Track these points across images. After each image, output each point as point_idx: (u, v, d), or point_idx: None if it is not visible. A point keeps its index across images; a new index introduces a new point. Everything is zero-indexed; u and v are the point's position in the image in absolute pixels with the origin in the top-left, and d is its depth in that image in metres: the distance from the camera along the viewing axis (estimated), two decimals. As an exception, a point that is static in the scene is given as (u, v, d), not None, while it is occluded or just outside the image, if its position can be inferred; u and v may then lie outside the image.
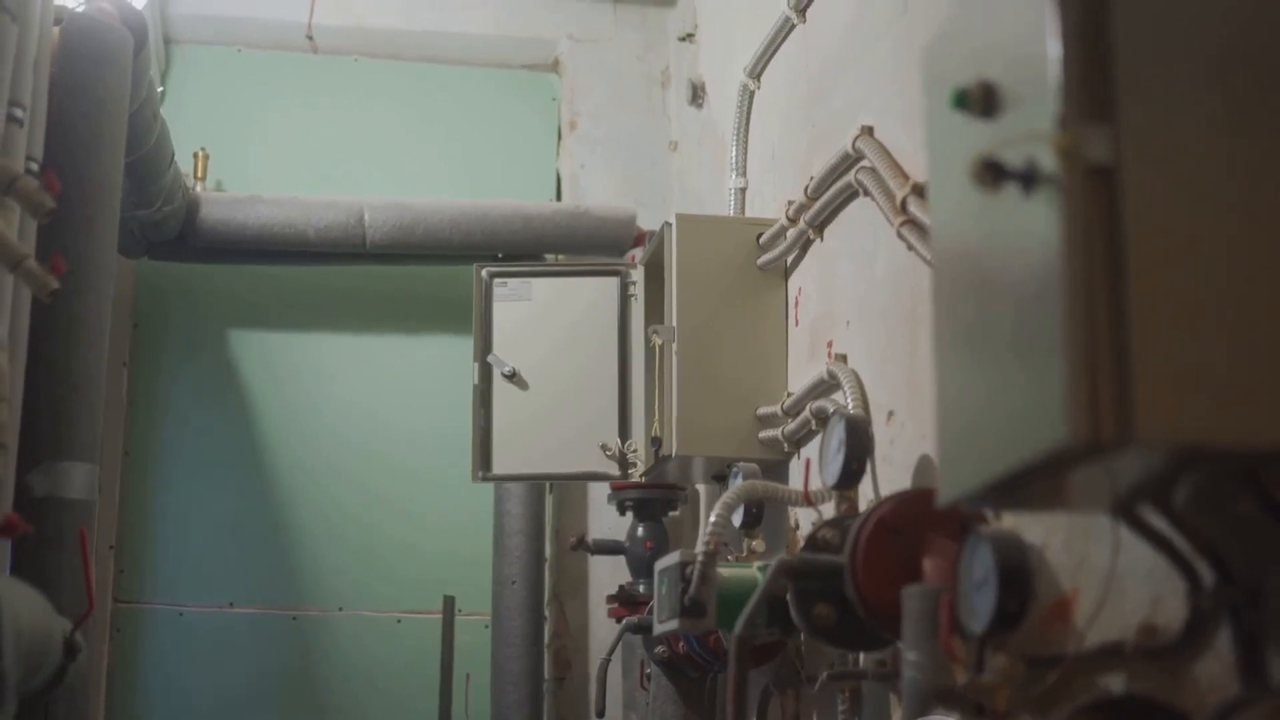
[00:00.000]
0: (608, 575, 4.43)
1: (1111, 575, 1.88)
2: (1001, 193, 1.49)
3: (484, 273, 4.16)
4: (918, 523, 2.22)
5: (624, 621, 3.77)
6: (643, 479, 3.91)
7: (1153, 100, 1.41)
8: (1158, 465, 1.48)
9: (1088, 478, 1.56)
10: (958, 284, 1.70)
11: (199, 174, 4.80)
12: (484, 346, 4.11)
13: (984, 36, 1.64)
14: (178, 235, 4.60)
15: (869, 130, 2.96)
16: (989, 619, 1.88)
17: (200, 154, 4.82)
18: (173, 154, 4.23)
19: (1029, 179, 1.44)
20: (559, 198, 5.17)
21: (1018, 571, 1.89)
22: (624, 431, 4.01)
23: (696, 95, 4.75)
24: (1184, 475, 1.58)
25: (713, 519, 2.82)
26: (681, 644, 3.44)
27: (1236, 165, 1.41)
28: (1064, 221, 1.39)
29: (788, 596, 2.49)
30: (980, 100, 1.57)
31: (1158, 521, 1.67)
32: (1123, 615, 1.87)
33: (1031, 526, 2.18)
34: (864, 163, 2.95)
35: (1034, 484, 1.54)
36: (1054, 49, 1.42)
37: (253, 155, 5.02)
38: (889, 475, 2.79)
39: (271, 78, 5.14)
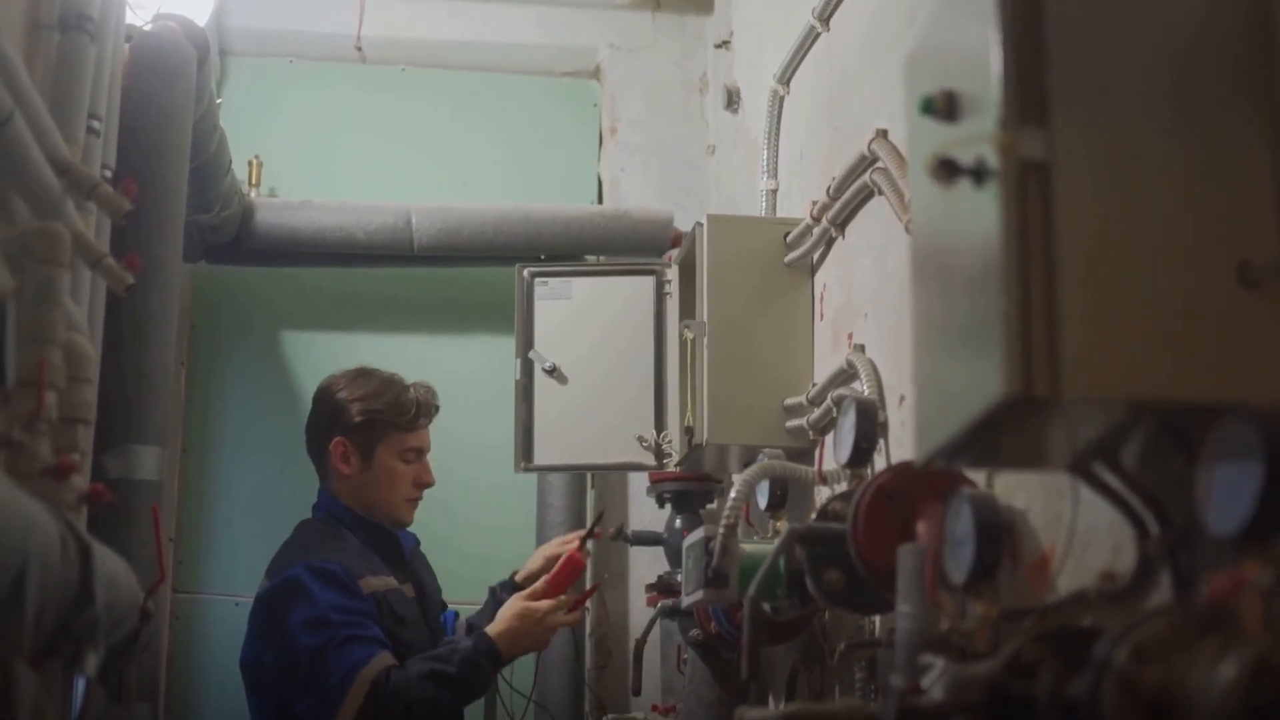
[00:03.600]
0: (646, 566, 4.49)
1: (1073, 528, 2.06)
2: (957, 187, 1.69)
3: (525, 272, 4.26)
4: (912, 490, 2.36)
5: (659, 605, 3.84)
6: (677, 468, 3.99)
7: (1082, 105, 1.61)
8: (1089, 419, 1.69)
9: (1043, 435, 1.77)
10: (930, 267, 1.92)
11: (253, 180, 4.94)
12: (525, 343, 4.21)
13: (950, 51, 1.84)
14: (233, 240, 4.75)
15: (883, 133, 3.08)
16: (969, 570, 2.04)
17: (255, 161, 4.97)
18: (230, 161, 4.37)
19: (979, 174, 1.64)
20: (600, 201, 5.27)
21: (993, 528, 2.03)
22: (659, 423, 4.10)
23: (732, 100, 4.88)
24: (1124, 435, 1.79)
25: (733, 495, 2.94)
26: (713, 624, 3.51)
27: (1157, 158, 1.61)
28: (1004, 207, 1.58)
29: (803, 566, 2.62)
30: (944, 107, 1.77)
31: (1111, 479, 1.85)
32: (1091, 565, 2.03)
33: (1016, 493, 2.34)
34: (878, 164, 3.07)
35: (990, 439, 1.73)
36: (996, 62, 1.62)
37: (305, 162, 5.14)
38: (900, 455, 2.89)
39: (322, 88, 5.28)
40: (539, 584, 3.59)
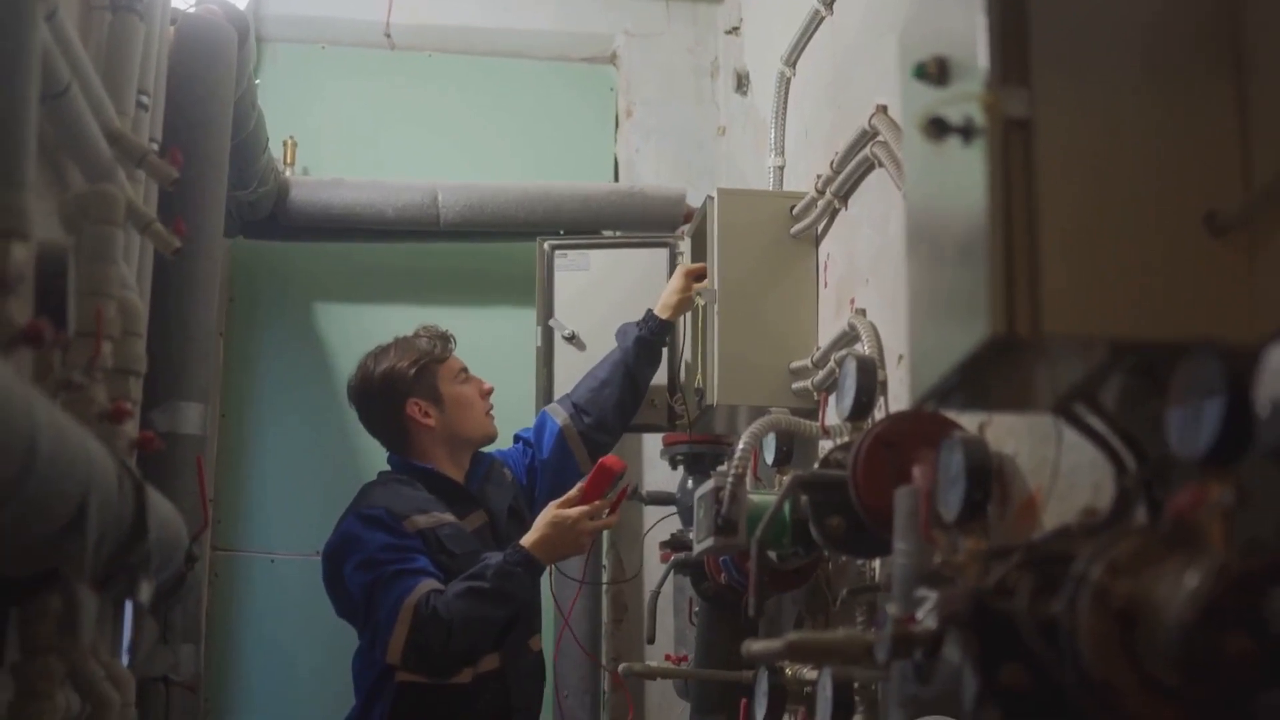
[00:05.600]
0: (661, 525, 4.53)
1: (1057, 468, 2.21)
2: (947, 145, 1.82)
3: (546, 245, 4.44)
4: (908, 437, 2.47)
5: (672, 558, 3.96)
6: (690, 429, 4.12)
7: (1062, 66, 1.75)
8: (1068, 360, 1.83)
9: (1027, 377, 1.91)
10: (923, 228, 2.06)
11: (288, 160, 5.10)
12: (546, 312, 4.40)
13: (941, 20, 1.97)
14: (269, 216, 4.90)
15: (883, 109, 3.22)
16: (960, 508, 2.16)
17: (289, 142, 5.12)
18: (267, 140, 4.51)
19: (967, 132, 1.78)
20: (616, 179, 5.41)
21: (982, 468, 2.13)
22: (672, 386, 4.25)
23: (741, 84, 5.00)
24: (1103, 377, 1.91)
25: (741, 446, 3.06)
26: (723, 575, 3.61)
27: (1131, 114, 1.75)
28: (989, 162, 1.72)
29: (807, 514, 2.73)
30: (935, 71, 1.91)
31: (1092, 420, 1.97)
32: (1075, 503, 2.17)
33: (1006, 439, 2.50)
34: (879, 138, 3.21)
35: (979, 381, 1.88)
36: (982, 26, 1.76)
37: (337, 142, 5.30)
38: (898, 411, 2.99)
39: (353, 72, 5.43)
40: (573, 491, 3.71)
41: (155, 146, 3.09)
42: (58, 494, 1.83)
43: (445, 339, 3.95)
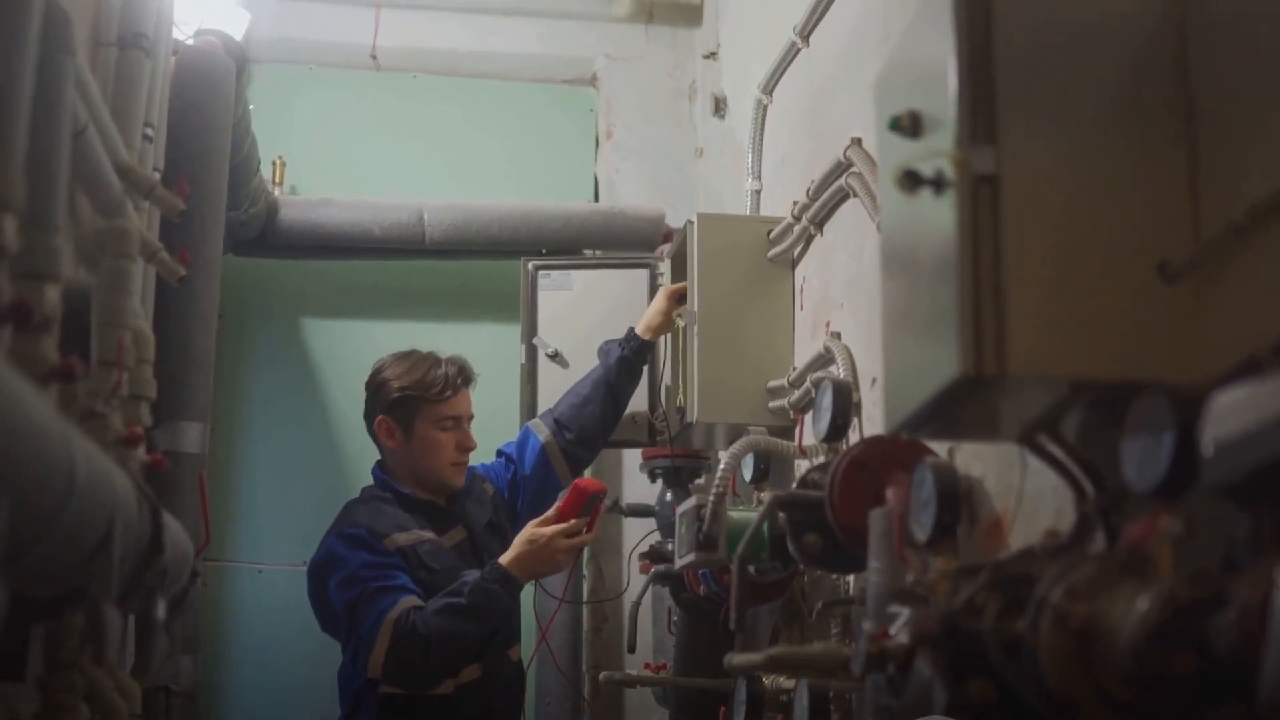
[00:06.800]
0: (640, 537, 4.58)
1: (1022, 493, 2.33)
2: (920, 195, 1.95)
3: (530, 265, 4.53)
4: (881, 461, 2.57)
5: (653, 570, 4.04)
6: (670, 444, 4.23)
7: (1027, 126, 1.88)
8: (1032, 396, 1.95)
9: (994, 410, 2.03)
10: (897, 264, 2.18)
11: (277, 179, 5.19)
12: (530, 330, 4.50)
13: (913, 74, 2.11)
14: (259, 235, 4.99)
15: (858, 141, 3.33)
16: (931, 529, 2.24)
17: (278, 162, 5.21)
18: (259, 162, 4.60)
19: (938, 185, 1.91)
20: (596, 199, 5.51)
21: (952, 492, 2.21)
22: (653, 404, 4.36)
23: (719, 108, 5.11)
24: (1064, 411, 2.02)
25: (722, 466, 3.18)
26: (702, 586, 3.69)
27: (1091, 172, 1.88)
28: (959, 214, 1.85)
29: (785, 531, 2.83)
30: (909, 125, 2.04)
31: (1054, 449, 2.08)
32: (1038, 525, 2.27)
33: (974, 464, 2.61)
34: (853, 169, 3.32)
35: (949, 413, 2.00)
36: (952, 88, 1.89)
37: (324, 162, 5.39)
38: (872, 432, 3.12)
39: (340, 93, 5.52)
40: (550, 512, 3.81)
41: (157, 175, 3.16)
42: (89, 523, 1.91)
43: (454, 385, 3.97)
